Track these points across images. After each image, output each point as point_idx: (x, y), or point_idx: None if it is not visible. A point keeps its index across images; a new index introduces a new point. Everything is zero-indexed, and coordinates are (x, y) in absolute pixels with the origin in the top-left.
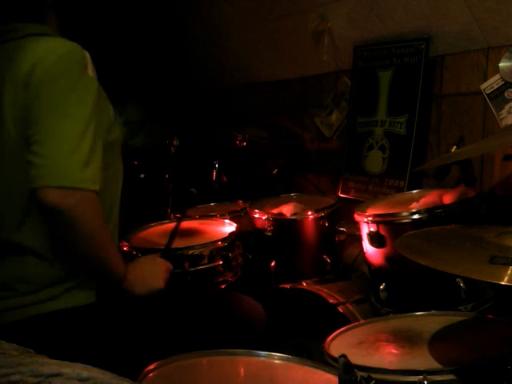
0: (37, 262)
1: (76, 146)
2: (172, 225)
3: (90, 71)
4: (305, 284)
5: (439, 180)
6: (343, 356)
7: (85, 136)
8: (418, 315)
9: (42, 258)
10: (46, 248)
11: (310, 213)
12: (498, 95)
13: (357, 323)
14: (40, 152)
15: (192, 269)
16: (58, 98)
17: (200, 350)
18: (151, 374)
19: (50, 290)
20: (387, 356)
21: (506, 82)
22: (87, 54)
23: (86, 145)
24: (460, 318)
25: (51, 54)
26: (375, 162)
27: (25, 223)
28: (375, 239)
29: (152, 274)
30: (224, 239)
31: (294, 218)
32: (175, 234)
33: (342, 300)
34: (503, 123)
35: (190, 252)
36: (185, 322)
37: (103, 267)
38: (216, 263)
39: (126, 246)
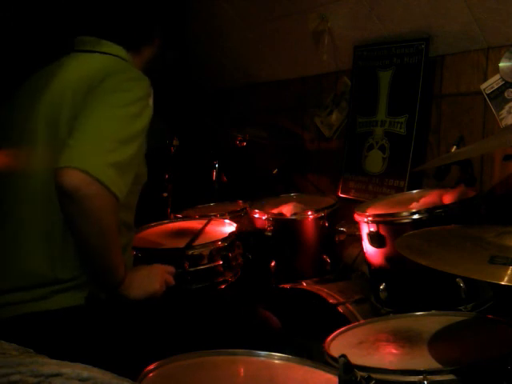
0: (38, 260)
1: (114, 149)
2: (172, 225)
3: (151, 103)
4: (305, 284)
5: (439, 180)
6: (343, 356)
7: (126, 146)
8: (418, 315)
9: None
10: (50, 246)
11: (310, 213)
12: (498, 95)
13: (357, 323)
14: (79, 137)
15: (192, 269)
16: (116, 103)
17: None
18: (151, 374)
19: (43, 290)
20: (387, 356)
21: (506, 82)
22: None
23: (124, 155)
24: (460, 318)
25: (125, 72)
26: (375, 162)
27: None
28: (375, 239)
29: (147, 277)
30: (224, 239)
31: (293, 217)
32: (200, 233)
33: (342, 300)
34: (503, 123)
35: (190, 252)
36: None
37: (106, 266)
38: (216, 263)
39: None
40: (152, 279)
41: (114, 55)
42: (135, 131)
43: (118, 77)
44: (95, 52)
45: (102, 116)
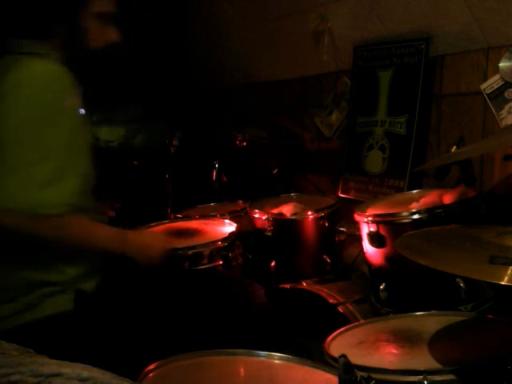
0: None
1: (35, 169)
2: (172, 225)
3: (70, 101)
4: (305, 284)
5: (439, 180)
6: (343, 356)
7: (48, 160)
8: (418, 315)
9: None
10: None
11: (310, 213)
12: (498, 95)
13: (357, 323)
14: None
15: (192, 269)
16: (21, 125)
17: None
18: (151, 374)
19: (27, 298)
20: (387, 356)
21: (506, 82)
22: (71, 81)
23: (48, 168)
24: (460, 318)
25: (32, 79)
26: (375, 162)
27: None
28: (375, 239)
29: (152, 241)
30: (224, 239)
31: (293, 217)
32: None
33: (342, 300)
34: (503, 123)
35: (190, 252)
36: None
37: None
38: (216, 263)
39: None
40: (157, 243)
41: (25, 53)
42: (50, 144)
43: (25, 88)
44: (22, 53)
45: (12, 139)
